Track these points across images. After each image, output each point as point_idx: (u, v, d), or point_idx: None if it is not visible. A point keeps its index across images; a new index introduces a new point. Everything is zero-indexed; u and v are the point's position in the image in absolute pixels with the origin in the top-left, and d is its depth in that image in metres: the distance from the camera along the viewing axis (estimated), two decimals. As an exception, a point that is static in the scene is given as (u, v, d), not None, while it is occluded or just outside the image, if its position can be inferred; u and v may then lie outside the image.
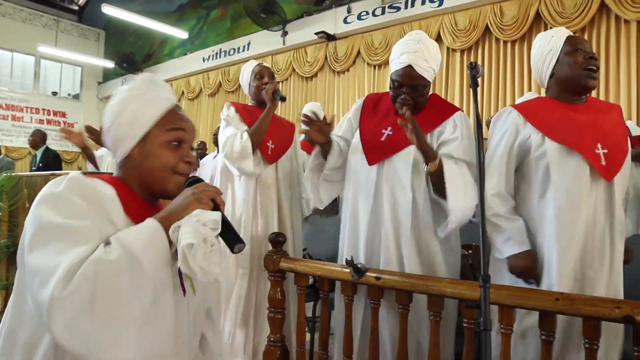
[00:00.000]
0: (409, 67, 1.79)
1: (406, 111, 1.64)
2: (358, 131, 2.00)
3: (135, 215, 0.98)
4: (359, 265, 1.69)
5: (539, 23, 5.23)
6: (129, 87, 1.06)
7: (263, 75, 2.38)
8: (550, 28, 5.04)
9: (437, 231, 1.81)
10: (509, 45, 5.43)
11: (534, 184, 1.66)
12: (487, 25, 5.54)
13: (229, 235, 0.94)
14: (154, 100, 1.04)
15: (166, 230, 0.88)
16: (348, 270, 1.73)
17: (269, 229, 2.33)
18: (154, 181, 1.03)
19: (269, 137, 2.31)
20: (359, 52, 6.75)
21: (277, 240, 2.01)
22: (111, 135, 1.04)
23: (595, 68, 1.63)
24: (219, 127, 2.52)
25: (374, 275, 1.70)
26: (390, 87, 1.92)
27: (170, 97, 1.08)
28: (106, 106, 1.07)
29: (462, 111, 1.90)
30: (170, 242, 0.89)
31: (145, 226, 0.88)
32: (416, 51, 1.79)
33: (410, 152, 1.80)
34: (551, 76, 1.71)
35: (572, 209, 1.58)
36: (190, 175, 1.08)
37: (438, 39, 5.96)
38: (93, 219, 0.86)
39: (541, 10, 5.12)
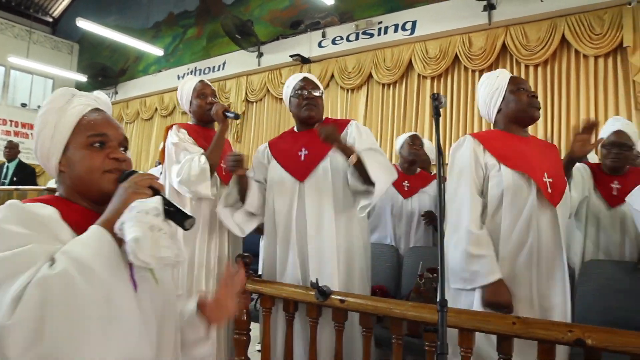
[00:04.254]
0: (304, 78, 2.25)
1: (318, 127, 1.96)
2: (274, 164, 2.22)
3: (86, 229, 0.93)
4: (323, 288, 1.72)
5: (505, 54, 5.46)
6: (47, 102, 1.04)
7: (206, 94, 2.36)
8: (516, 59, 5.30)
9: (358, 210, 2.03)
10: (477, 74, 5.62)
11: (488, 203, 1.75)
12: (456, 54, 5.73)
13: (175, 214, 0.91)
14: (69, 110, 1.01)
15: (111, 231, 0.84)
16: (313, 292, 1.75)
17: (222, 249, 2.36)
18: (87, 186, 0.99)
19: (222, 157, 2.32)
20: (332, 76, 6.86)
21: (244, 261, 2.02)
22: (39, 155, 1.01)
23: (537, 101, 1.82)
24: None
25: (339, 297, 1.72)
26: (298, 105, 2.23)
27: (89, 102, 1.04)
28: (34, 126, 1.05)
29: (354, 120, 2.26)
30: (120, 242, 0.84)
31: (89, 233, 0.84)
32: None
33: (327, 163, 2.10)
34: (499, 111, 1.86)
35: (521, 231, 1.67)
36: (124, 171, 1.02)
37: (410, 66, 6.15)
38: (36, 243, 0.82)
39: (507, 43, 5.34)
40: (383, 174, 1.96)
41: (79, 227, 0.91)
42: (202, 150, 2.26)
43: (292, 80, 2.27)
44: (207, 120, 2.38)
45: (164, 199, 0.91)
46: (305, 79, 2.25)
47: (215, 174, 2.31)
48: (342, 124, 2.21)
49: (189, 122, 2.45)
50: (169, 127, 2.35)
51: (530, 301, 1.65)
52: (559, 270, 1.68)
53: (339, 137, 1.97)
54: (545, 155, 1.79)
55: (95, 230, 0.84)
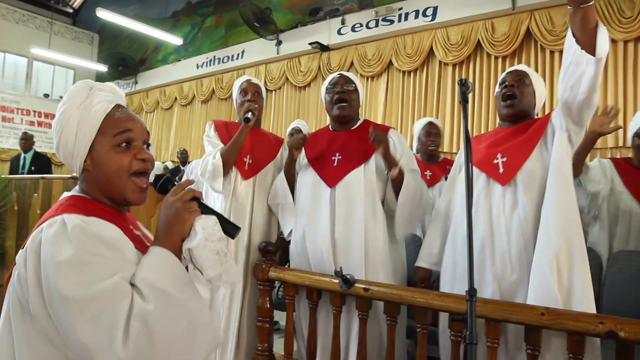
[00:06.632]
0: (340, 74, 2.22)
1: (371, 129, 1.94)
2: (305, 164, 2.20)
3: (131, 235, 0.99)
4: (347, 277, 1.71)
5: (529, 40, 5.32)
6: (66, 98, 1.02)
7: (247, 91, 2.39)
8: (540, 45, 5.16)
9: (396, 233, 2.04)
10: (500, 60, 5.51)
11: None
12: (478, 40, 5.61)
13: (226, 225, 0.97)
14: (93, 107, 1.00)
15: (174, 250, 0.92)
16: (337, 281, 1.75)
17: (239, 242, 2.28)
18: (113, 190, 1.01)
19: (247, 152, 2.34)
20: (352, 63, 6.79)
21: (267, 249, 2.02)
22: (61, 152, 1.01)
23: (507, 94, 1.84)
24: None
25: (362, 286, 1.71)
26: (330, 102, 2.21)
27: (111, 98, 1.04)
28: (53, 123, 1.04)
29: (393, 128, 2.20)
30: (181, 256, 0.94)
31: (159, 258, 0.91)
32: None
33: (361, 172, 2.04)
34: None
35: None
36: (156, 174, 1.06)
37: (430, 53, 6.05)
38: (118, 270, 0.86)
39: (532, 28, 5.20)
40: (409, 207, 1.98)
41: (128, 234, 0.98)
42: (222, 146, 2.30)
43: (328, 78, 2.25)
44: None
45: (216, 213, 0.98)
46: (340, 75, 2.21)
47: (235, 170, 2.31)
48: (382, 129, 2.12)
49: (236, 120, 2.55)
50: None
51: (501, 286, 1.64)
52: (523, 250, 1.61)
53: (388, 145, 1.95)
54: (517, 134, 1.80)
55: (163, 255, 0.91)
